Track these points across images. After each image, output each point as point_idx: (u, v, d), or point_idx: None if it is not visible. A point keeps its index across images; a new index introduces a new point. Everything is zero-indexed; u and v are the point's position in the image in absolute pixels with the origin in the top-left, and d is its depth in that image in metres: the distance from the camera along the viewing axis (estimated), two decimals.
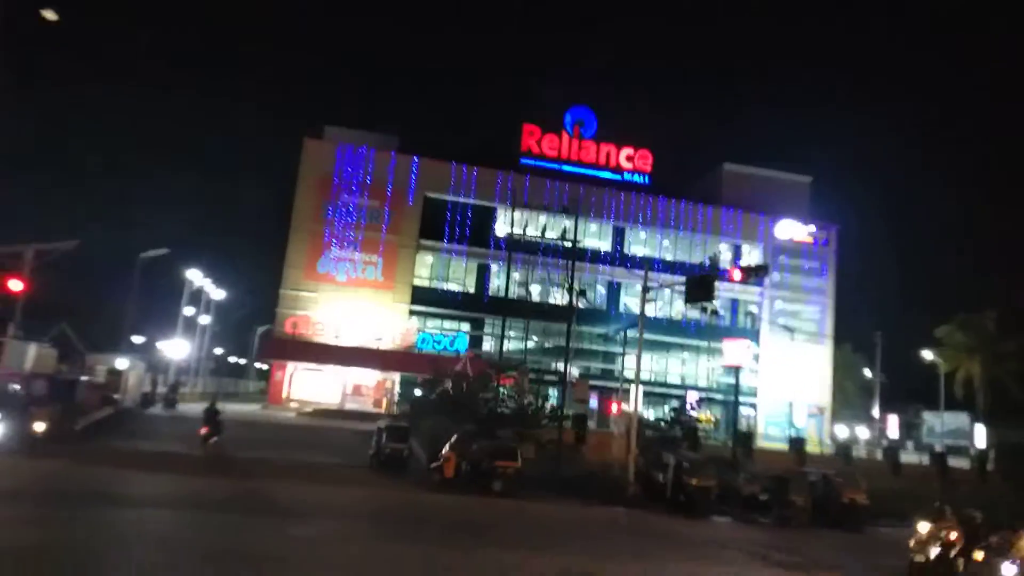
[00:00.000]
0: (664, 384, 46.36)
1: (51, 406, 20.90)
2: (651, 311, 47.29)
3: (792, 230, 49.09)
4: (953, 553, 13.12)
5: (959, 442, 44.81)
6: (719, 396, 44.86)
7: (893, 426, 42.04)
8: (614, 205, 47.10)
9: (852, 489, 21.78)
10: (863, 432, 48.40)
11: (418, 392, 35.58)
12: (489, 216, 46.14)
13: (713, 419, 36.71)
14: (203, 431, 22.18)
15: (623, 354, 31.82)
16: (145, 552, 11.02)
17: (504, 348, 45.96)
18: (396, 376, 43.20)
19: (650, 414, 38.41)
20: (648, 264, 44.45)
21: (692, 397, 34.73)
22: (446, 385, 26.67)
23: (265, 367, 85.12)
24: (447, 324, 45.30)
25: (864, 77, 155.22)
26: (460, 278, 45.75)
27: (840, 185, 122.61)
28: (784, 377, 46.64)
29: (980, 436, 39.47)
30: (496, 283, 46.53)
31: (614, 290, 48.05)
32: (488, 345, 45.74)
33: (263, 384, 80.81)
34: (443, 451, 21.17)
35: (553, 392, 41.15)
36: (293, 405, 41.72)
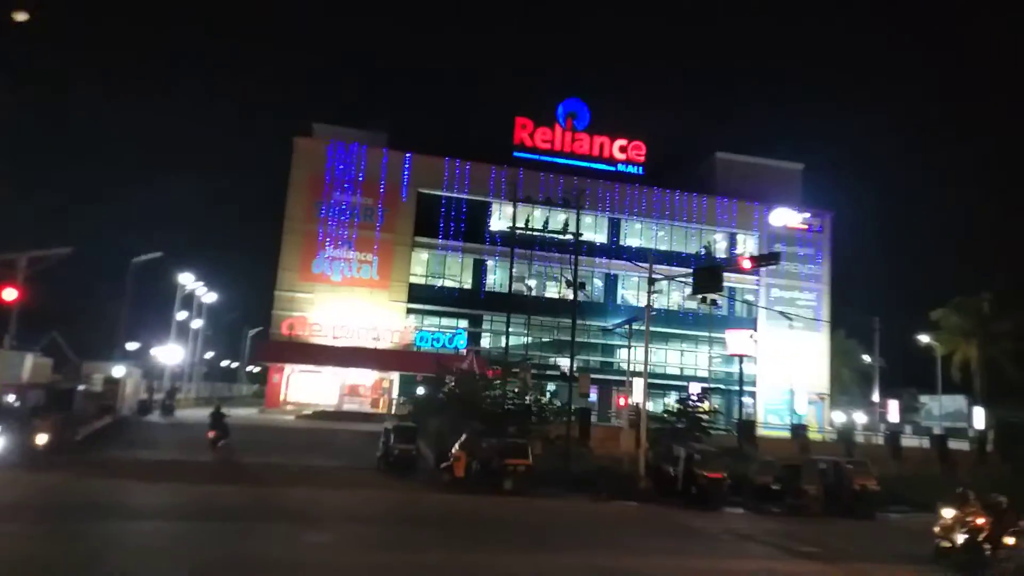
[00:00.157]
0: (663, 376, 46.22)
1: (52, 417, 20.42)
2: (646, 302, 47.26)
3: (786, 217, 49.07)
4: (981, 538, 13.02)
5: (957, 424, 45.04)
6: (720, 386, 44.76)
7: (894, 411, 42.12)
8: (609, 197, 46.86)
9: (863, 476, 21.71)
10: (860, 417, 48.54)
11: (420, 391, 35.29)
12: (484, 211, 45.78)
13: (716, 409, 36.63)
14: (211, 435, 22.21)
15: (629, 347, 31.57)
16: (160, 565, 10.71)
17: (502, 344, 45.80)
18: (395, 376, 42.83)
19: (650, 406, 38.21)
20: (647, 256, 45.00)
21: (694, 388, 34.58)
22: (451, 383, 26.35)
23: (257, 370, 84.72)
24: (444, 321, 44.94)
25: (850, 65, 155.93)
26: (456, 274, 45.39)
27: (831, 172, 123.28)
28: (782, 365, 46.66)
29: (979, 418, 39.62)
30: (492, 278, 46.28)
31: (611, 282, 47.88)
32: (486, 341, 45.45)
33: (256, 387, 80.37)
34: (452, 450, 20.95)
35: (550, 387, 41.20)
36: (289, 408, 41.29)
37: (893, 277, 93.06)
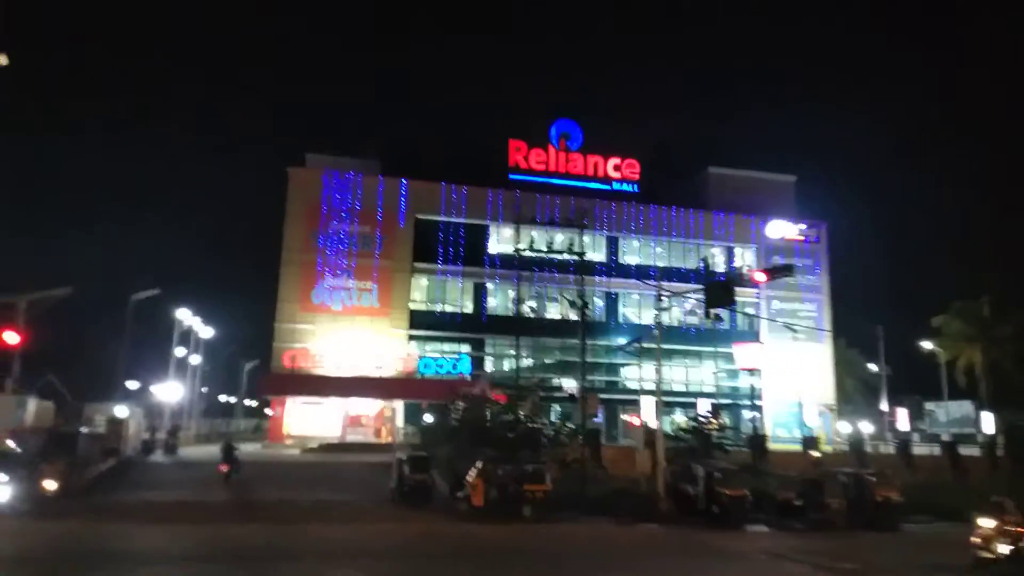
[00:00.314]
0: (669, 392, 45.74)
1: (59, 462, 19.93)
2: (650, 319, 47.07)
3: (783, 229, 49.21)
4: None
5: (965, 430, 44.80)
6: (727, 401, 44.44)
7: (903, 419, 41.91)
8: (606, 216, 46.87)
9: (885, 487, 21.35)
10: (866, 427, 48.31)
11: (428, 418, 34.84)
12: (482, 234, 45.70)
13: (729, 425, 36.32)
14: (223, 468, 22.16)
15: (640, 365, 31.28)
16: None
17: (504, 367, 45.52)
18: (399, 404, 42.33)
19: (656, 424, 37.92)
20: (647, 273, 45.09)
21: (703, 405, 34.27)
22: (461, 410, 25.97)
23: (255, 404, 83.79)
24: (447, 347, 44.61)
25: (848, 66, 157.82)
26: (457, 299, 45.16)
27: (823, 182, 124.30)
28: (787, 377, 46.42)
29: (988, 423, 39.43)
30: (493, 301, 46.06)
31: (612, 301, 47.74)
32: (489, 365, 45.13)
33: (255, 422, 79.46)
34: (468, 478, 20.56)
35: (555, 408, 40.81)
36: (291, 441, 40.66)
37: (891, 284, 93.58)
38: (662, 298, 22.31)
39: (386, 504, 21.47)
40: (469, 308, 45.20)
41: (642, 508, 21.35)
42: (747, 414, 44.20)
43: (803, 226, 50.13)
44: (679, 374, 47.80)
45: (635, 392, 45.52)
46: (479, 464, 20.72)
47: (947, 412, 47.62)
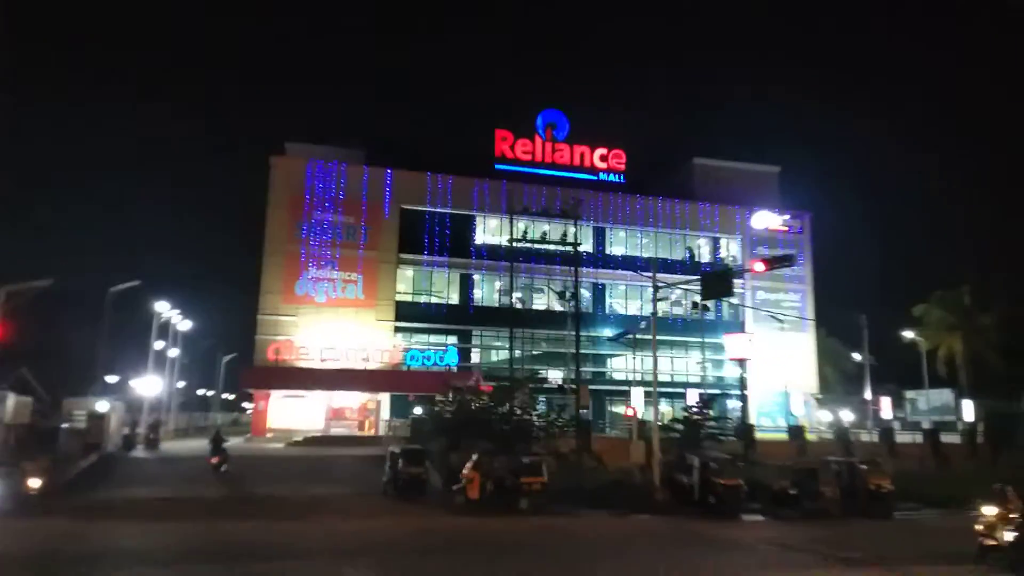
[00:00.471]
0: (658, 383, 45.99)
1: (43, 460, 19.32)
2: (635, 310, 47.19)
3: (767, 220, 49.41)
4: None
5: (945, 418, 45.49)
6: (715, 391, 44.52)
7: (887, 407, 42.42)
8: (592, 206, 46.64)
9: (877, 476, 21.53)
10: (847, 416, 48.84)
11: (418, 411, 34.48)
12: (468, 225, 45.29)
13: (724, 415, 36.48)
14: (214, 460, 22.11)
15: (634, 356, 31.25)
16: None
17: (492, 358, 45.24)
18: (384, 397, 41.88)
19: (649, 415, 37.98)
20: (635, 264, 45.02)
21: (693, 395, 34.34)
22: (459, 402, 25.66)
23: (232, 397, 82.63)
24: (433, 339, 44.19)
25: (816, 65, 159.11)
26: (443, 290, 44.75)
27: (806, 173, 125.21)
28: (771, 367, 46.73)
29: (968, 410, 40.06)
30: (479, 293, 45.75)
31: (599, 292, 47.64)
32: (476, 356, 44.84)
33: (233, 415, 78.39)
34: (464, 471, 20.33)
35: (541, 399, 40.64)
36: (272, 435, 40.02)
37: (872, 274, 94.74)
38: (658, 289, 22.12)
39: (380, 498, 21.19)
40: (455, 299, 44.81)
41: (638, 499, 21.32)
42: (731, 404, 44.48)
43: (787, 217, 50.41)
44: (664, 364, 47.81)
45: (622, 383, 45.63)
46: (475, 457, 20.50)
47: (928, 400, 48.30)
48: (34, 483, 18.33)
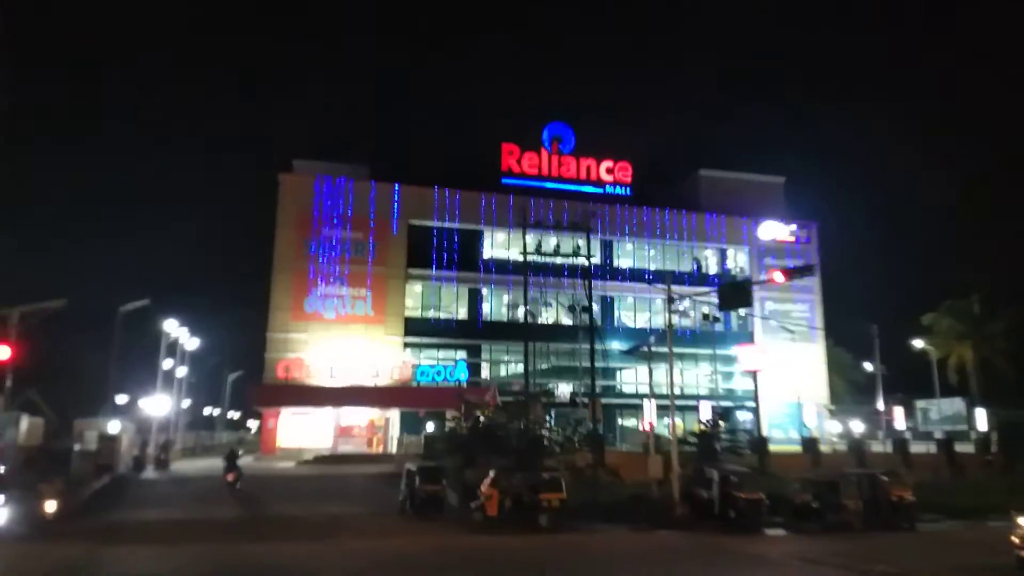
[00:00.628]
0: (666, 396, 45.71)
1: (57, 482, 19.14)
2: (643, 322, 47.05)
3: (775, 231, 49.38)
4: None
5: (957, 427, 45.12)
6: (727, 404, 44.29)
7: (900, 418, 42.11)
8: (600, 219, 46.61)
9: (899, 487, 21.27)
10: (857, 426, 48.51)
11: (430, 427, 34.28)
12: (476, 239, 45.30)
13: (742, 428, 36.21)
14: (229, 477, 22.09)
15: (650, 369, 31.00)
16: None
17: (501, 373, 45.02)
18: (394, 413, 41.66)
19: (662, 428, 37.76)
20: (643, 276, 44.93)
21: (705, 408, 34.10)
22: (472, 418, 25.45)
23: (237, 416, 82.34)
24: (442, 354, 44.06)
25: (820, 75, 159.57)
26: (452, 305, 44.65)
27: (812, 183, 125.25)
28: (781, 378, 46.49)
29: (981, 419, 39.77)
30: (487, 307, 45.63)
31: (608, 305, 47.50)
32: (486, 371, 44.66)
33: (240, 434, 78.04)
34: (483, 488, 20.10)
35: (551, 414, 40.36)
36: (281, 454, 39.79)
37: (880, 283, 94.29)
38: (672, 300, 21.99)
39: (397, 517, 20.94)
40: (464, 314, 44.70)
41: (657, 514, 21.06)
42: (741, 416, 44.19)
43: (794, 227, 50.34)
44: (675, 377, 47.59)
45: (632, 396, 45.37)
46: (492, 473, 20.28)
47: (939, 410, 47.92)
48: (50, 506, 18.14)
